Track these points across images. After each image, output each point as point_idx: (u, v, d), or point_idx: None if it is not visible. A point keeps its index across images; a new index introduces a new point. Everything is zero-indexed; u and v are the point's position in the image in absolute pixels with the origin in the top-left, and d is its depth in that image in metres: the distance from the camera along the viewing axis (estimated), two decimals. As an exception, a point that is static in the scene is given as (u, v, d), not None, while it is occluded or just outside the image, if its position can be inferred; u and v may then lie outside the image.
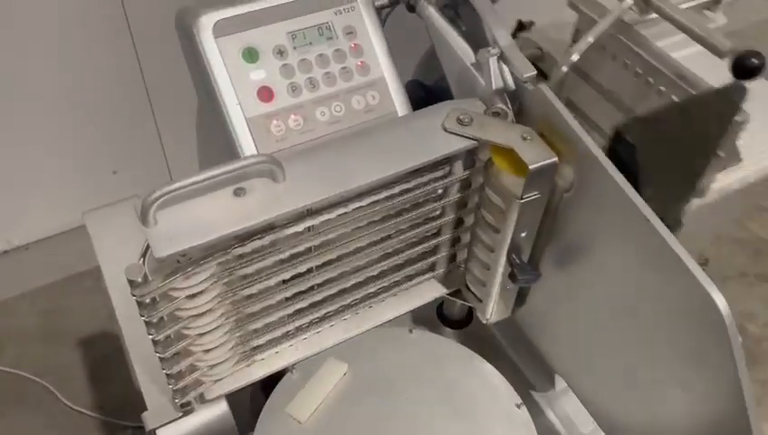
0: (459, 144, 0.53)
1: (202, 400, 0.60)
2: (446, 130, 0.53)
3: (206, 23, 0.53)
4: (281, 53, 0.55)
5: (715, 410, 0.48)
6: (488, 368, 0.66)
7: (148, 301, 0.47)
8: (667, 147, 0.58)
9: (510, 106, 0.56)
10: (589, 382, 0.62)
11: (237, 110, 0.53)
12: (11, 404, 1.44)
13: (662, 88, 0.65)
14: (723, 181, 0.69)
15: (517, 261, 0.57)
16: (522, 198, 0.53)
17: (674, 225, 0.64)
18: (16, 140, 1.10)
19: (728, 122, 0.59)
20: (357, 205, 0.52)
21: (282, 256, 0.52)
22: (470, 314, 0.75)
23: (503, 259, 0.58)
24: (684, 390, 0.50)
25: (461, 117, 0.54)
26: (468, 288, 0.66)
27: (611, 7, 0.63)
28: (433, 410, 0.62)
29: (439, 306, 0.76)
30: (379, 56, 0.58)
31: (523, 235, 0.56)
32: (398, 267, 0.62)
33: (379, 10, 0.64)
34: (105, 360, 1.41)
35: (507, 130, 0.53)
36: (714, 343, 0.45)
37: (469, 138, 0.53)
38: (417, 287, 0.67)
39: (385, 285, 0.63)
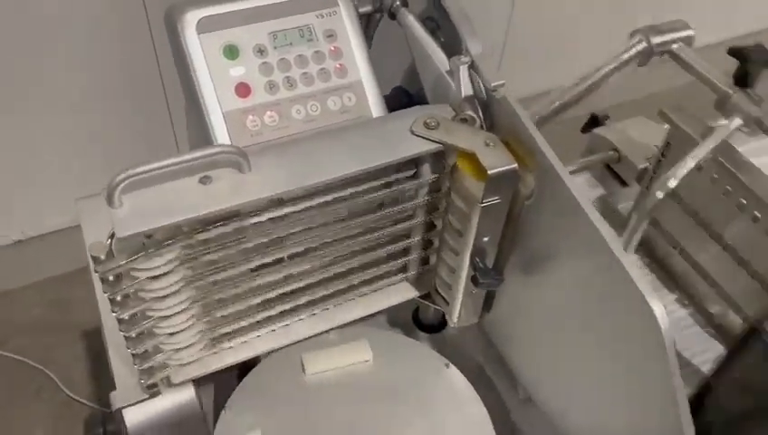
0: (424, 147, 0.55)
1: (169, 383, 0.62)
2: (413, 132, 0.55)
3: (191, 19, 0.56)
4: (261, 51, 0.58)
5: (655, 422, 0.49)
6: (452, 370, 0.68)
7: (111, 278, 0.50)
8: None
9: (480, 114, 0.58)
10: (546, 391, 0.63)
11: (215, 103, 0.56)
12: (14, 391, 1.47)
13: (756, 213, 0.62)
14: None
15: (480, 265, 0.59)
16: (482, 202, 0.54)
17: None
18: (32, 134, 1.14)
19: None
20: (321, 199, 0.54)
21: (246, 245, 0.54)
22: (444, 320, 0.77)
23: (466, 263, 0.59)
24: (628, 400, 0.51)
25: (428, 121, 0.55)
26: (438, 292, 0.67)
27: (716, 126, 0.59)
28: (391, 407, 0.64)
29: (415, 311, 0.77)
30: (357, 60, 0.60)
31: (486, 239, 0.58)
32: (368, 266, 0.64)
33: (368, 16, 0.66)
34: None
35: (471, 135, 0.55)
36: (652, 354, 0.45)
37: (434, 141, 0.55)
38: (389, 289, 0.68)
39: (355, 283, 0.65)
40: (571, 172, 0.65)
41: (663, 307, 0.45)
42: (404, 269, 0.68)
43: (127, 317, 0.53)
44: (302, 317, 0.65)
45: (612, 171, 0.77)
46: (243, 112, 0.57)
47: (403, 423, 0.64)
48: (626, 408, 0.52)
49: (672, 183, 0.58)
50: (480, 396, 0.67)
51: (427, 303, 0.68)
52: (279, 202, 0.54)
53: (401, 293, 0.68)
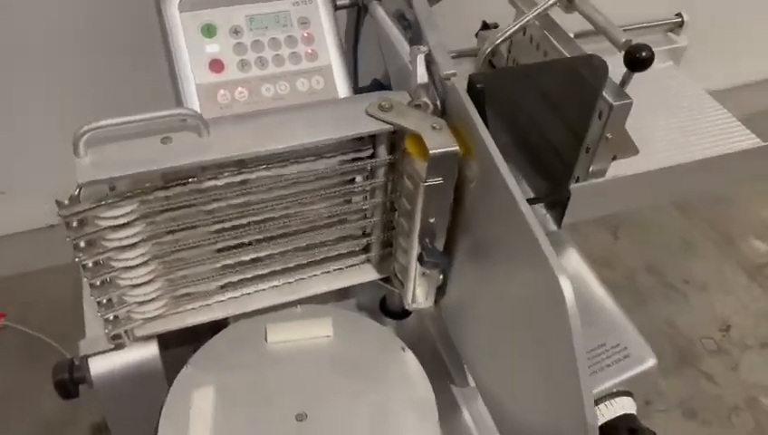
0: (375, 126, 0.59)
1: (133, 337, 0.67)
2: (367, 113, 0.59)
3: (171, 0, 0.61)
4: (236, 32, 0.63)
5: (561, 402, 0.51)
6: (408, 354, 0.71)
7: (74, 224, 0.55)
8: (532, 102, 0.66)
9: (438, 102, 0.62)
10: (482, 376, 0.66)
11: (189, 75, 0.61)
12: (30, 365, 1.55)
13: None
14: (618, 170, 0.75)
15: (428, 245, 0.62)
16: (425, 182, 0.58)
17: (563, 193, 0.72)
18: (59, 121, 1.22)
19: (592, 94, 0.67)
20: (277, 169, 0.58)
21: (203, 208, 0.59)
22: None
23: (416, 243, 0.63)
24: (546, 381, 0.53)
25: (383, 104, 0.59)
26: (396, 275, 0.71)
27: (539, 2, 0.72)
28: (343, 380, 0.67)
29: (383, 299, 0.81)
30: (329, 47, 0.65)
31: (432, 220, 0.61)
32: (330, 243, 0.68)
33: (357, 12, 0.71)
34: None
35: (420, 118, 0.59)
36: (558, 330, 0.48)
37: (386, 122, 0.59)
38: (352, 269, 0.72)
39: (317, 259, 0.69)
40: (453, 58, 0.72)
41: (571, 285, 0.48)
42: (366, 250, 0.71)
43: (90, 264, 0.58)
44: (263, 287, 0.69)
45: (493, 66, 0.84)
46: (215, 86, 0.62)
47: (352, 396, 0.67)
48: (544, 388, 0.54)
49: (498, 40, 0.70)
50: (433, 381, 0.69)
51: (386, 286, 0.72)
52: (239, 169, 0.59)
53: (363, 274, 0.72)
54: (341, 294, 0.80)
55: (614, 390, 0.70)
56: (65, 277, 1.60)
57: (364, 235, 0.69)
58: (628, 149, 0.75)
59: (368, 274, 0.72)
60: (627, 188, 0.78)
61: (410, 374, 0.69)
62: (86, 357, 0.66)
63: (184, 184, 0.56)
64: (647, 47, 0.67)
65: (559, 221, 0.75)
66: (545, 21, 0.75)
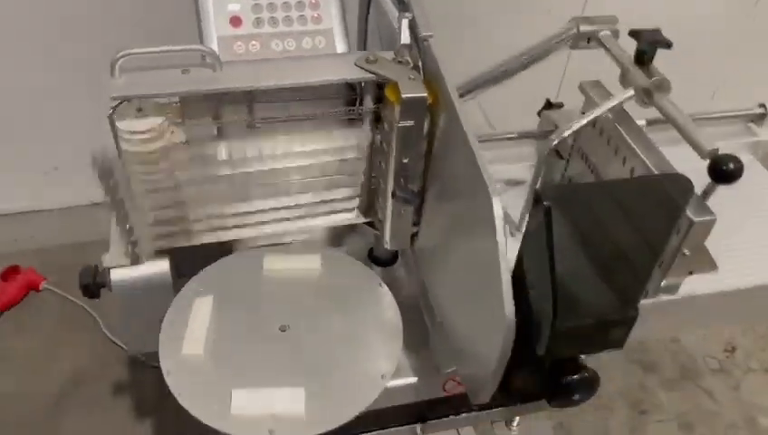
0: (360, 74, 0.71)
1: (148, 254, 0.79)
2: (355, 64, 0.71)
3: None
4: (255, -5, 0.76)
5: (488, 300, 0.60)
6: (384, 289, 0.81)
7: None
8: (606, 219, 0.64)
9: (420, 63, 0.73)
10: (439, 294, 0.76)
11: (212, 29, 0.75)
12: (64, 324, 1.70)
13: (633, 167, 0.72)
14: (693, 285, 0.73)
15: (402, 183, 0.73)
16: (398, 123, 0.69)
17: (631, 310, 0.68)
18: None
19: (674, 213, 0.64)
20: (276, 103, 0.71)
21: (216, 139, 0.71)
22: (395, 257, 0.91)
23: (391, 181, 0.74)
24: (479, 285, 0.63)
25: (369, 57, 0.72)
26: (378, 218, 0.82)
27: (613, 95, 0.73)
28: (323, 303, 0.78)
29: (371, 249, 0.91)
30: (332, 14, 0.78)
31: (406, 160, 0.72)
32: (323, 186, 0.80)
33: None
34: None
35: (399, 70, 0.70)
36: (488, 238, 0.58)
37: (370, 72, 0.71)
38: (342, 212, 0.84)
39: (315, 201, 0.81)
40: (510, 139, 0.79)
41: (500, 202, 0.58)
42: (356, 196, 0.83)
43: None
44: (265, 220, 0.81)
45: (557, 153, 0.88)
46: (233, 39, 0.75)
47: (329, 316, 0.78)
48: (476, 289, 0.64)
49: (566, 133, 0.70)
50: (406, 315, 0.80)
51: (372, 228, 0.83)
52: (249, 105, 0.71)
53: (351, 216, 0.83)
54: (334, 242, 0.91)
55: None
56: (102, 251, 1.76)
57: (354, 181, 0.81)
58: (706, 264, 0.73)
59: (355, 217, 0.83)
60: (700, 307, 0.75)
61: (383, 304, 0.80)
62: (108, 269, 0.78)
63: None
64: (735, 159, 0.63)
65: (622, 342, 0.71)
66: (618, 113, 0.74)
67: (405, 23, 0.72)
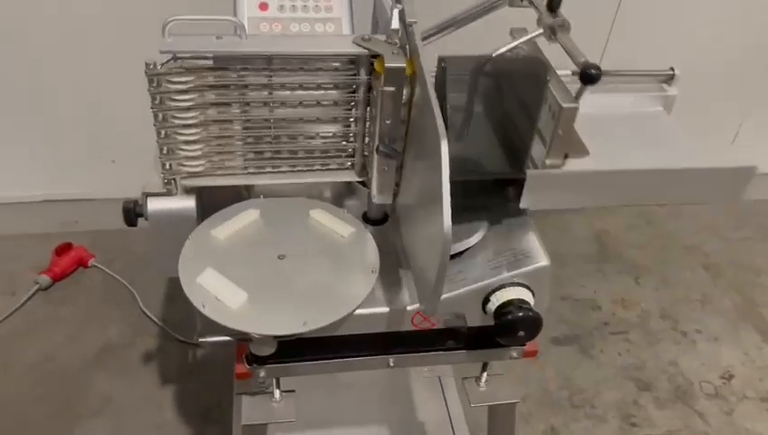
0: (355, 49, 0.91)
1: (179, 189, 1.00)
2: (353, 42, 0.92)
3: None
4: (281, -14, 0.98)
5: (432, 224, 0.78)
6: (368, 235, 0.99)
7: (154, 84, 0.89)
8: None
9: (407, 46, 0.93)
10: (409, 243, 0.93)
11: (244, 10, 0.96)
12: (104, 298, 1.93)
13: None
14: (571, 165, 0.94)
15: (385, 141, 0.92)
16: (382, 88, 0.89)
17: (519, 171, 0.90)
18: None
19: (540, 85, 0.90)
20: (289, 72, 0.91)
21: (238, 93, 0.92)
22: (386, 218, 1.09)
23: (377, 139, 0.93)
24: (427, 215, 0.81)
25: (365, 37, 0.92)
26: (368, 176, 1.01)
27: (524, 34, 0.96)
28: (313, 245, 0.97)
29: (365, 213, 1.10)
30: (342, 4, 0.99)
31: (388, 122, 0.91)
32: (322, 148, 0.99)
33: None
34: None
35: (386, 47, 0.90)
36: (436, 170, 0.76)
37: (363, 47, 0.91)
38: (339, 171, 1.03)
39: (314, 156, 1.00)
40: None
41: (446, 144, 0.76)
42: (351, 157, 1.02)
43: (160, 117, 0.92)
44: (274, 171, 1.01)
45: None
46: (260, 20, 0.97)
47: (319, 250, 0.96)
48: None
49: (490, 54, 0.92)
50: (386, 261, 0.98)
51: (363, 186, 1.02)
52: (268, 69, 0.91)
53: (347, 175, 1.02)
54: (336, 203, 1.09)
55: (513, 280, 0.95)
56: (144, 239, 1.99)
57: (349, 142, 1.00)
58: (578, 149, 0.95)
59: (350, 175, 1.02)
60: (574, 182, 0.92)
61: (366, 245, 0.98)
62: (146, 194, 0.99)
63: (229, 69, 0.90)
64: (596, 66, 0.84)
65: (518, 200, 0.90)
66: (533, 47, 0.97)
67: (396, 12, 0.92)
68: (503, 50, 0.91)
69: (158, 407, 1.67)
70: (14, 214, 2.06)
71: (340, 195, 1.11)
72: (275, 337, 0.89)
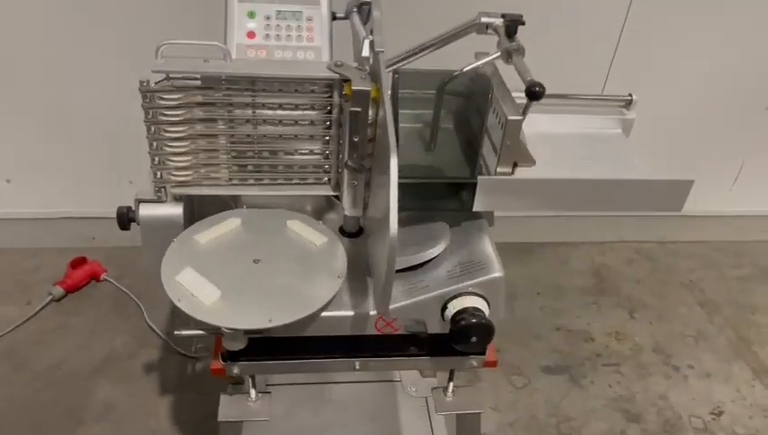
0: (327, 73, 1.02)
1: (168, 197, 1.11)
2: (327, 67, 1.03)
3: None
4: (268, 17, 1.09)
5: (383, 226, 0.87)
6: (339, 244, 1.09)
7: (147, 99, 1.01)
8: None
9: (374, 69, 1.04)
10: (372, 252, 1.02)
11: (233, 38, 1.08)
12: (113, 312, 2.05)
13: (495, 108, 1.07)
14: (521, 174, 1.06)
15: (354, 157, 1.03)
16: (351, 108, 0.99)
17: (468, 179, 1.03)
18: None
19: (486, 92, 1.01)
20: (270, 93, 1.02)
21: (224, 111, 1.03)
22: (360, 231, 1.18)
23: (346, 155, 1.04)
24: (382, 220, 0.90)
25: (337, 63, 1.03)
26: (341, 191, 1.11)
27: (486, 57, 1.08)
28: (284, 250, 1.07)
29: (341, 226, 1.19)
30: (322, 36, 1.10)
31: (356, 139, 1.02)
32: (300, 164, 1.10)
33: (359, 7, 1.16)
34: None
35: (355, 72, 1.01)
36: (386, 178, 0.86)
37: (335, 72, 1.02)
38: (316, 185, 1.13)
39: (293, 170, 1.11)
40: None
41: (396, 158, 0.86)
42: (326, 173, 1.12)
43: (152, 129, 1.04)
44: (255, 184, 1.11)
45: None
46: (247, 47, 1.08)
47: (292, 257, 1.06)
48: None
49: (452, 73, 1.05)
50: (357, 272, 1.07)
51: (337, 199, 1.12)
52: (251, 90, 1.03)
53: (322, 189, 1.13)
54: (315, 217, 1.19)
55: (469, 289, 1.03)
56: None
57: (325, 158, 1.10)
58: (525, 158, 1.07)
59: (326, 190, 1.12)
60: (520, 188, 1.05)
61: (336, 254, 1.08)
62: (138, 201, 1.10)
63: (216, 89, 1.02)
64: (540, 84, 0.96)
65: (471, 204, 1.04)
66: (492, 66, 1.10)
67: (367, 42, 1.03)
68: (466, 69, 1.04)
69: (156, 415, 1.76)
70: (35, 229, 2.20)
71: (321, 209, 1.21)
72: (245, 332, 0.99)
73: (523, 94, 0.98)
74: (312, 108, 1.06)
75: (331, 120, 1.07)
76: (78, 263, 2.10)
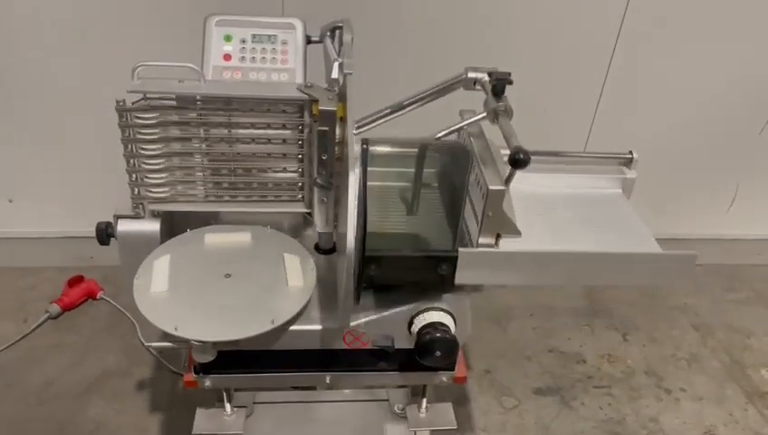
0: (297, 94, 1.06)
1: (146, 214, 1.15)
2: (297, 88, 1.07)
3: (213, 19, 1.14)
4: (243, 41, 1.14)
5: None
6: (310, 260, 1.12)
7: (124, 119, 1.06)
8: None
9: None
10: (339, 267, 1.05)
11: (210, 60, 1.13)
12: (107, 329, 2.09)
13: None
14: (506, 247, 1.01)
15: (321, 171, 1.06)
16: (318, 127, 1.03)
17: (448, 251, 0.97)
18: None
19: (465, 166, 0.99)
20: (243, 113, 1.06)
21: (198, 130, 1.07)
22: (334, 248, 1.22)
23: (314, 174, 1.07)
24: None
25: (307, 84, 1.07)
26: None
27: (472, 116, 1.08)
28: (256, 262, 1.10)
29: (317, 243, 1.23)
30: (296, 59, 1.14)
31: (324, 157, 1.05)
32: (274, 182, 1.14)
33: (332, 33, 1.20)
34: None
35: (323, 93, 1.05)
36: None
37: (304, 93, 1.06)
38: (289, 202, 1.17)
39: (268, 189, 1.15)
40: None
41: (356, 177, 0.89)
42: (300, 190, 1.16)
43: (129, 148, 1.08)
44: (231, 201, 1.15)
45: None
46: (223, 68, 1.13)
47: (260, 269, 1.09)
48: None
49: (438, 133, 1.07)
50: (327, 288, 1.10)
51: (309, 217, 1.15)
52: (223, 109, 1.07)
53: (296, 206, 1.16)
54: (292, 234, 1.23)
55: (436, 305, 1.06)
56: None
57: (300, 177, 1.14)
58: (509, 230, 1.00)
59: (299, 207, 1.16)
60: (503, 261, 0.98)
61: (306, 270, 1.11)
62: (116, 217, 1.14)
63: (191, 109, 1.06)
64: (525, 151, 0.89)
65: (451, 282, 0.97)
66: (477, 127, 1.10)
67: (336, 64, 1.07)
68: (446, 131, 1.05)
69: (146, 432, 1.79)
70: (35, 247, 2.25)
71: (298, 225, 1.25)
72: (213, 344, 1.02)
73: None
74: (285, 127, 1.10)
75: (303, 140, 1.10)
76: (75, 281, 2.14)
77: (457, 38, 1.91)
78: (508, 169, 0.93)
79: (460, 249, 0.96)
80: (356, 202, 0.89)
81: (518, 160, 0.90)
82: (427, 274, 0.99)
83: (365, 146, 0.99)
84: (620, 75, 2.05)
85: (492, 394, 1.96)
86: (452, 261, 0.97)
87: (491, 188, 0.95)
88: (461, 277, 0.97)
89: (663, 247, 1.05)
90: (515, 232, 0.99)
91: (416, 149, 1.05)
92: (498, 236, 1.00)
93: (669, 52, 2.04)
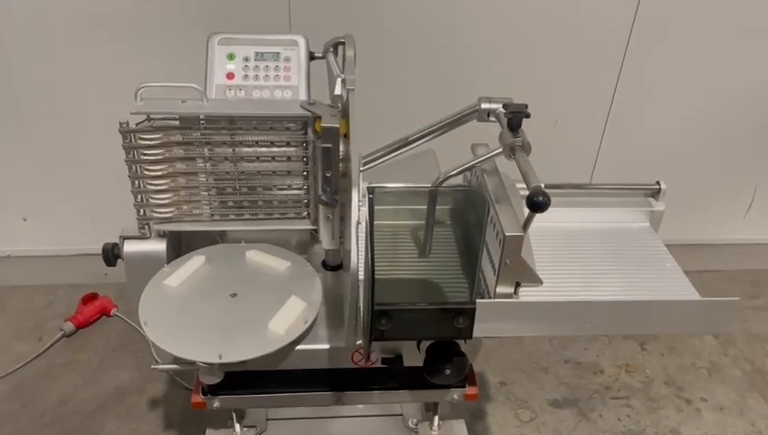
0: (300, 111, 1.05)
1: (152, 233, 1.15)
2: (300, 105, 1.06)
3: (216, 37, 1.14)
4: (246, 59, 1.14)
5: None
6: (315, 277, 1.11)
7: (128, 140, 1.06)
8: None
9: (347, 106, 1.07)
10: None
11: (213, 79, 1.13)
12: (122, 345, 2.09)
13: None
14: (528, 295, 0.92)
15: (326, 189, 1.05)
16: (321, 144, 1.02)
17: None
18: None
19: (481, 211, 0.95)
20: (247, 131, 1.06)
21: (203, 152, 1.07)
22: (341, 265, 1.21)
23: (319, 190, 1.06)
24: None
25: (311, 101, 1.06)
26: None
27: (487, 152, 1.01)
28: (263, 280, 1.09)
29: (324, 260, 1.22)
30: (300, 76, 1.14)
31: (328, 174, 1.05)
32: (280, 199, 1.13)
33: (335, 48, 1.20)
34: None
35: (326, 110, 1.04)
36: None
37: (307, 110, 1.05)
38: (295, 220, 1.16)
39: (273, 204, 1.14)
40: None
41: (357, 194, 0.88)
42: (306, 207, 1.15)
43: (133, 168, 1.08)
44: (237, 219, 1.15)
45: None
46: (226, 87, 1.13)
47: (267, 289, 1.09)
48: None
49: (446, 175, 1.02)
50: (335, 306, 1.09)
51: (315, 233, 1.15)
52: (227, 128, 1.07)
53: (302, 223, 1.16)
54: (299, 251, 1.22)
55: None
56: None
57: (305, 194, 1.14)
58: (529, 277, 0.90)
59: (305, 224, 1.15)
60: (524, 312, 0.89)
61: (312, 285, 1.10)
62: (123, 237, 1.14)
63: (196, 129, 1.06)
64: (544, 193, 0.80)
65: (469, 335, 0.88)
66: (491, 163, 1.02)
67: (339, 81, 1.06)
68: (457, 171, 1.00)
69: (159, 449, 1.79)
70: (49, 265, 2.27)
71: (305, 242, 1.24)
72: (220, 365, 1.01)
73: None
74: (289, 144, 1.09)
75: (307, 156, 1.10)
76: (89, 299, 2.15)
77: (465, 48, 1.90)
78: (526, 210, 0.86)
79: (478, 301, 0.87)
80: (359, 218, 0.87)
81: (537, 204, 0.81)
82: (442, 327, 0.91)
83: (371, 196, 0.93)
84: (632, 80, 2.03)
85: (508, 407, 1.94)
86: (470, 314, 0.88)
87: (508, 234, 0.87)
88: (479, 330, 0.89)
89: (681, 257, 0.99)
90: (536, 281, 0.91)
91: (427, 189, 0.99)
92: (518, 285, 0.92)
93: (682, 54, 2.02)
